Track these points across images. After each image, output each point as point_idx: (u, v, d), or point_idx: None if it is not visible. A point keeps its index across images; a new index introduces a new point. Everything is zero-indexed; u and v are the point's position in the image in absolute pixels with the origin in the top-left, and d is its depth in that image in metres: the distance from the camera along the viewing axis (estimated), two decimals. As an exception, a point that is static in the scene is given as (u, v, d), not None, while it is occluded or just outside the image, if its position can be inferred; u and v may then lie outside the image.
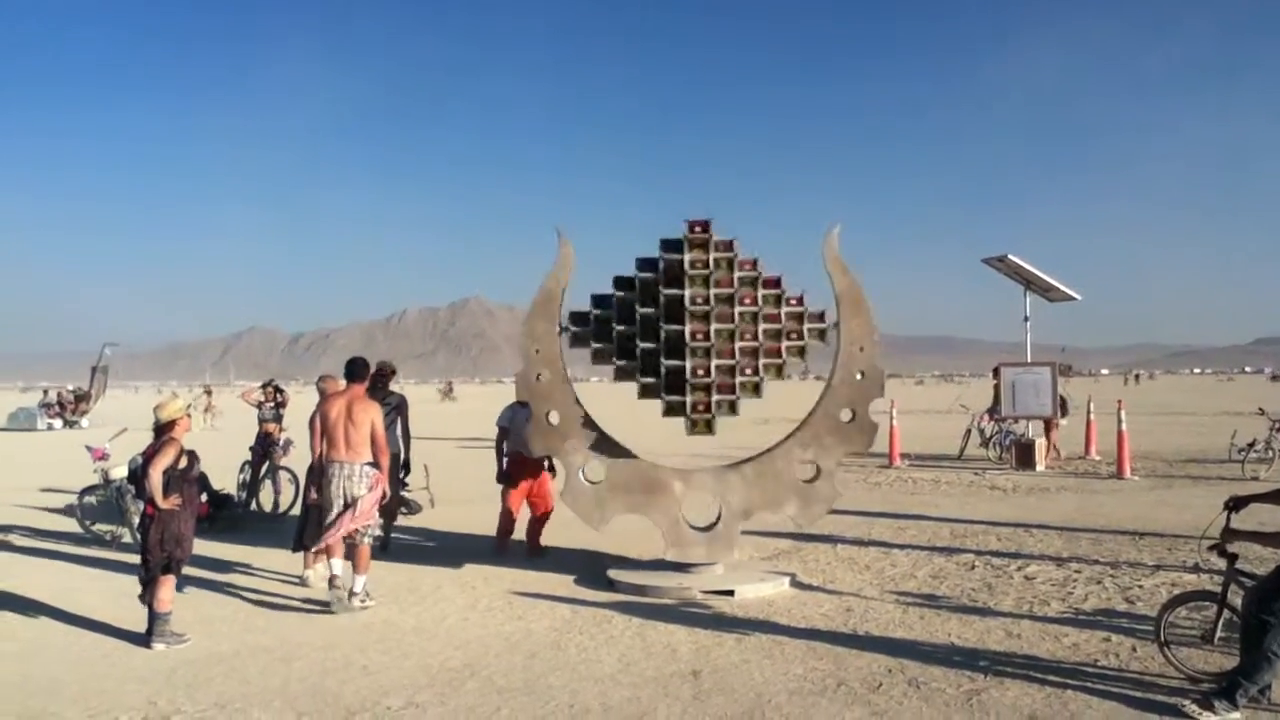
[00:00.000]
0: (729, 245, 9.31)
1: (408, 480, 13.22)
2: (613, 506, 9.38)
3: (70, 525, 12.75)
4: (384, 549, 11.09)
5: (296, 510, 11.76)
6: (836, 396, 9.34)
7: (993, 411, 21.12)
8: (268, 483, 14.31)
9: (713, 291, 9.22)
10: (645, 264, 9.41)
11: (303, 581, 9.60)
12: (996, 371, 20.76)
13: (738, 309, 9.26)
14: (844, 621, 7.95)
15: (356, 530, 8.58)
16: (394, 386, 11.85)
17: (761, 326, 9.29)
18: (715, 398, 9.29)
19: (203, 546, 10.44)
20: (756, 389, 9.37)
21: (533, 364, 9.42)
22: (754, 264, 9.38)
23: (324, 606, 8.56)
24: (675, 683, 6.50)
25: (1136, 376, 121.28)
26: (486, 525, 13.00)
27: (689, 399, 9.30)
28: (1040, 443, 19.37)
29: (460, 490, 16.36)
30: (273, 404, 14.48)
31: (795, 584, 9.25)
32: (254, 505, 14.24)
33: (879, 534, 12.02)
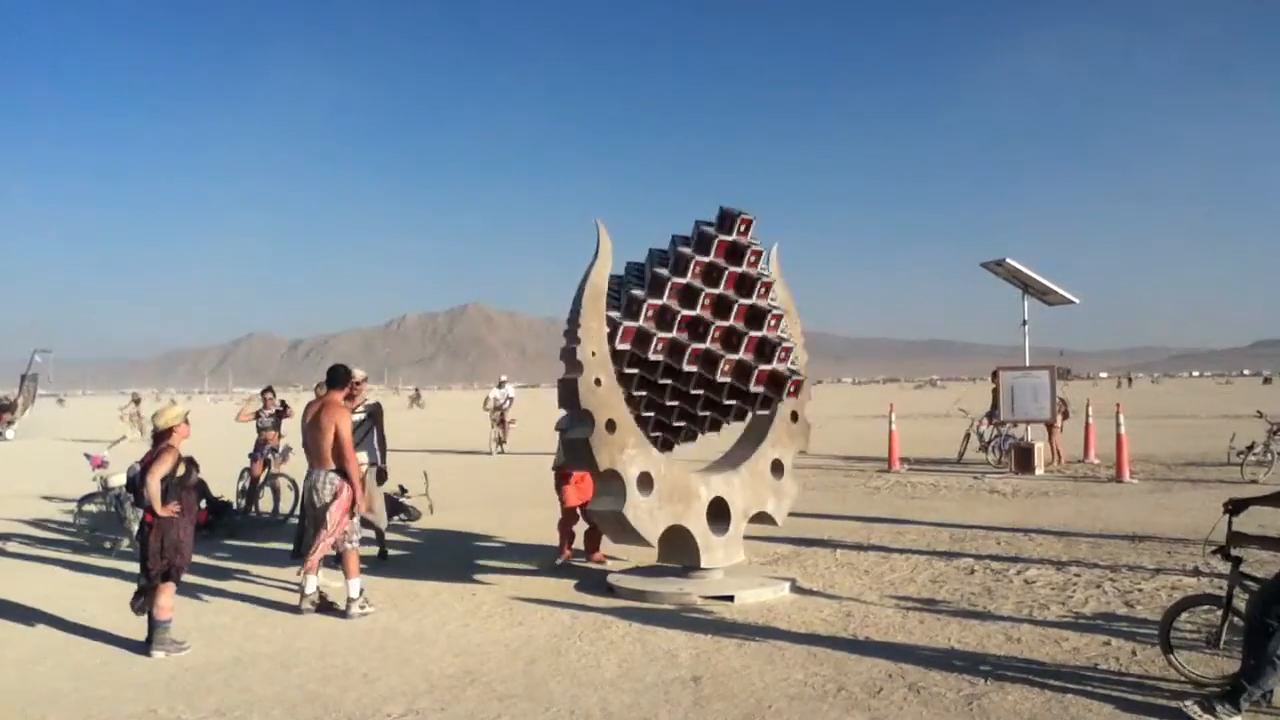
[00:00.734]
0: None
1: (406, 488, 13.23)
2: (662, 518, 8.86)
3: (69, 533, 12.74)
4: (383, 558, 11.08)
5: (295, 517, 11.76)
6: (787, 401, 9.77)
7: (992, 415, 21.13)
8: (267, 490, 14.32)
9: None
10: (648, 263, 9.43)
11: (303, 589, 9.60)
12: (995, 375, 20.77)
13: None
14: (844, 626, 7.95)
15: (335, 542, 8.59)
16: (368, 393, 11.79)
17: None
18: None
19: (202, 554, 10.44)
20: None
21: (590, 368, 8.59)
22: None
23: (325, 612, 8.57)
24: (676, 688, 6.49)
25: (1130, 379, 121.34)
26: (485, 531, 13.02)
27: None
28: (1040, 446, 19.37)
29: (459, 496, 16.35)
30: (272, 411, 14.50)
31: (795, 589, 9.24)
32: (253, 512, 14.25)
33: (878, 538, 12.01)
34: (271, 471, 14.26)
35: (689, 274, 9.02)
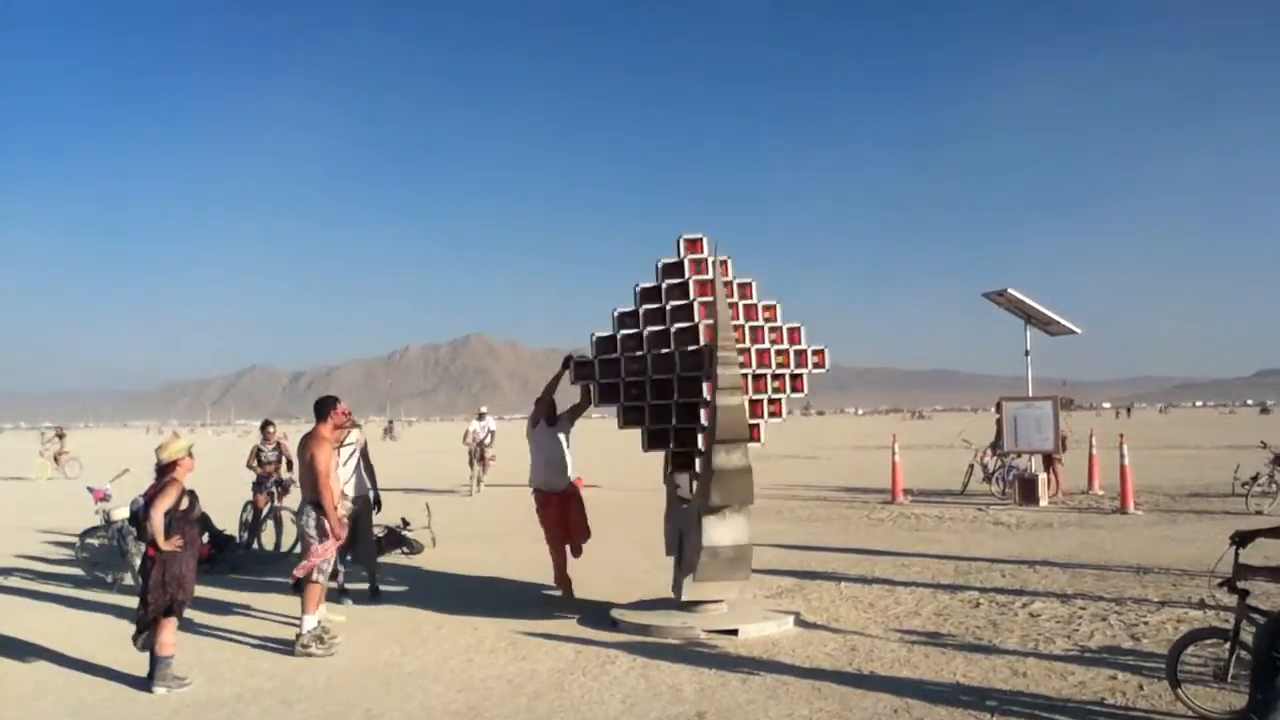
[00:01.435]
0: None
1: (409, 521, 13.20)
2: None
3: (71, 567, 12.71)
4: (374, 594, 11.02)
5: (299, 551, 11.70)
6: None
7: (995, 446, 21.10)
8: (269, 523, 14.30)
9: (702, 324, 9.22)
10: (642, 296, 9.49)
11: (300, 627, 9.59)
12: (1000, 406, 20.74)
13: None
14: (849, 661, 7.90)
15: (310, 570, 8.56)
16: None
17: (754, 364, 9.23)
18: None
19: (204, 588, 10.40)
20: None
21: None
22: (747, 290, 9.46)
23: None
24: (680, 724, 6.45)
25: (1129, 410, 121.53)
26: (488, 565, 12.97)
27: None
28: (1043, 477, 19.32)
29: (462, 529, 16.31)
30: (274, 445, 14.52)
31: (799, 623, 9.20)
32: (255, 546, 14.22)
33: (882, 571, 11.96)
34: (274, 505, 14.25)
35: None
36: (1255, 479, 17.31)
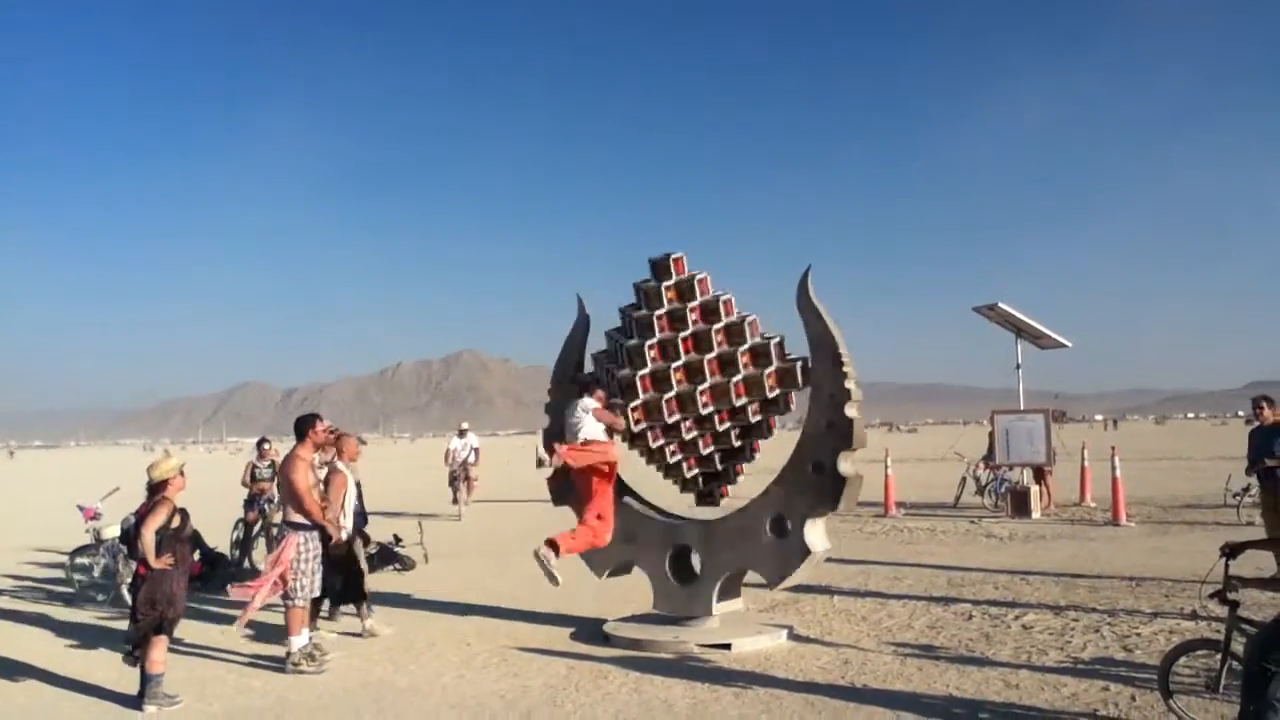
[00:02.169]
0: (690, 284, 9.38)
1: (401, 537, 13.17)
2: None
3: (62, 586, 12.65)
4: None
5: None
6: (803, 449, 8.81)
7: (988, 459, 21.13)
8: (260, 541, 14.25)
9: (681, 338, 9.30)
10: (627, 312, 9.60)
11: (362, 634, 9.76)
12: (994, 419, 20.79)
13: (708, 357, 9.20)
14: (842, 674, 7.90)
15: (286, 592, 8.52)
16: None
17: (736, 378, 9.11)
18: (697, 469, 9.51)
19: (195, 606, 10.36)
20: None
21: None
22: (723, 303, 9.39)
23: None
24: (673, 739, 6.44)
25: (1115, 422, 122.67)
26: (481, 581, 12.94)
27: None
28: (1035, 490, 19.35)
29: (453, 545, 16.28)
30: (269, 462, 14.49)
31: (792, 636, 9.19)
32: (247, 563, 14.16)
33: (875, 584, 11.97)
34: (266, 522, 14.20)
35: (659, 329, 9.40)
36: (1246, 490, 17.32)
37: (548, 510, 11.28)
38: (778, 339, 9.17)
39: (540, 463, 9.36)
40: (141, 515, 7.64)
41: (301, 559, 8.54)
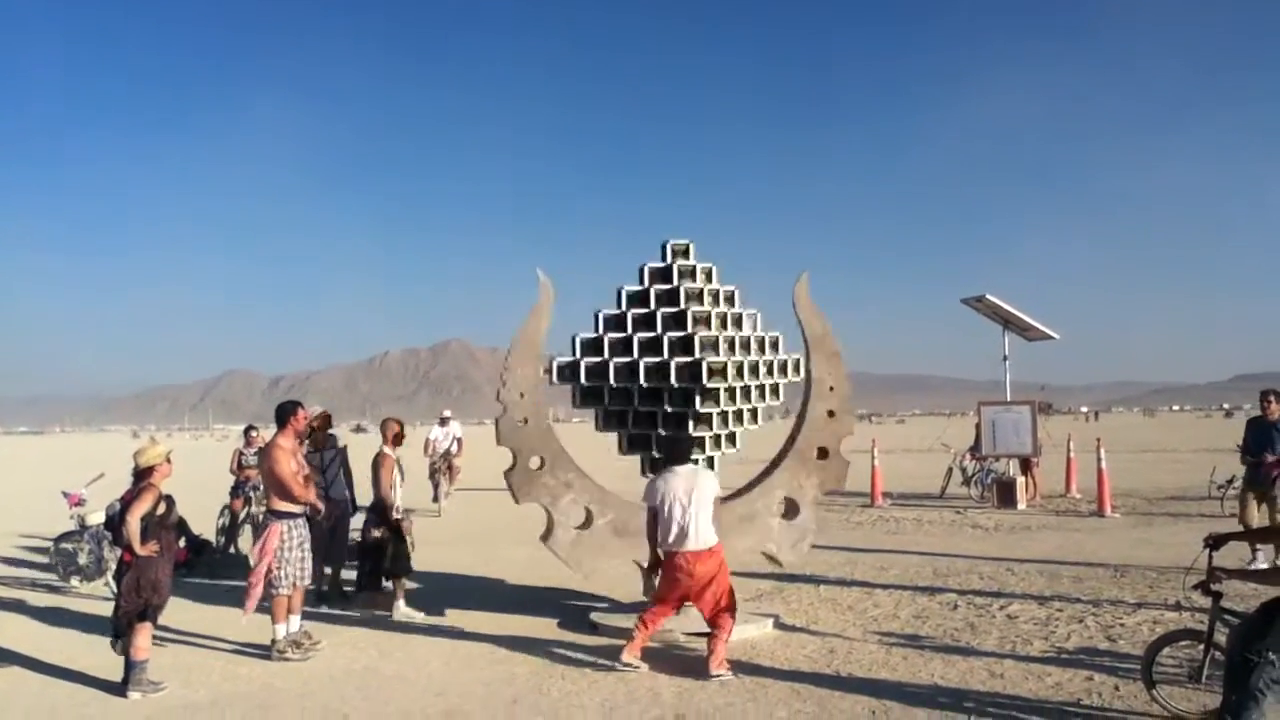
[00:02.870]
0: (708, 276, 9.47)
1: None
2: (592, 551, 9.38)
3: (46, 573, 12.59)
4: (342, 597, 11.01)
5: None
6: (808, 437, 9.57)
7: (974, 450, 21.19)
8: (246, 528, 14.22)
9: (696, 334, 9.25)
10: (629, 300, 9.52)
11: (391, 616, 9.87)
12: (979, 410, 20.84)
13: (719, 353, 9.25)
14: (827, 663, 7.92)
15: (271, 580, 8.50)
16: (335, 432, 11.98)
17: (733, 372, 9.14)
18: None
19: (180, 593, 10.33)
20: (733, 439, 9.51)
21: (516, 409, 9.29)
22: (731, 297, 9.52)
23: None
24: (658, 727, 6.45)
25: (1096, 415, 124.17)
26: (466, 568, 12.93)
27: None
28: (1021, 481, 19.42)
29: (440, 533, 16.27)
30: (255, 450, 14.45)
31: (778, 625, 9.21)
32: (233, 550, 14.14)
33: (862, 574, 12.00)
34: (251, 509, 14.17)
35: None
36: (1230, 482, 17.41)
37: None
38: (776, 335, 9.67)
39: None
40: (127, 502, 7.61)
41: (285, 547, 8.52)
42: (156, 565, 7.53)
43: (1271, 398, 11.85)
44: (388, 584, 10.25)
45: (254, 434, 14.93)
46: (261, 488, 14.09)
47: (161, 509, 7.65)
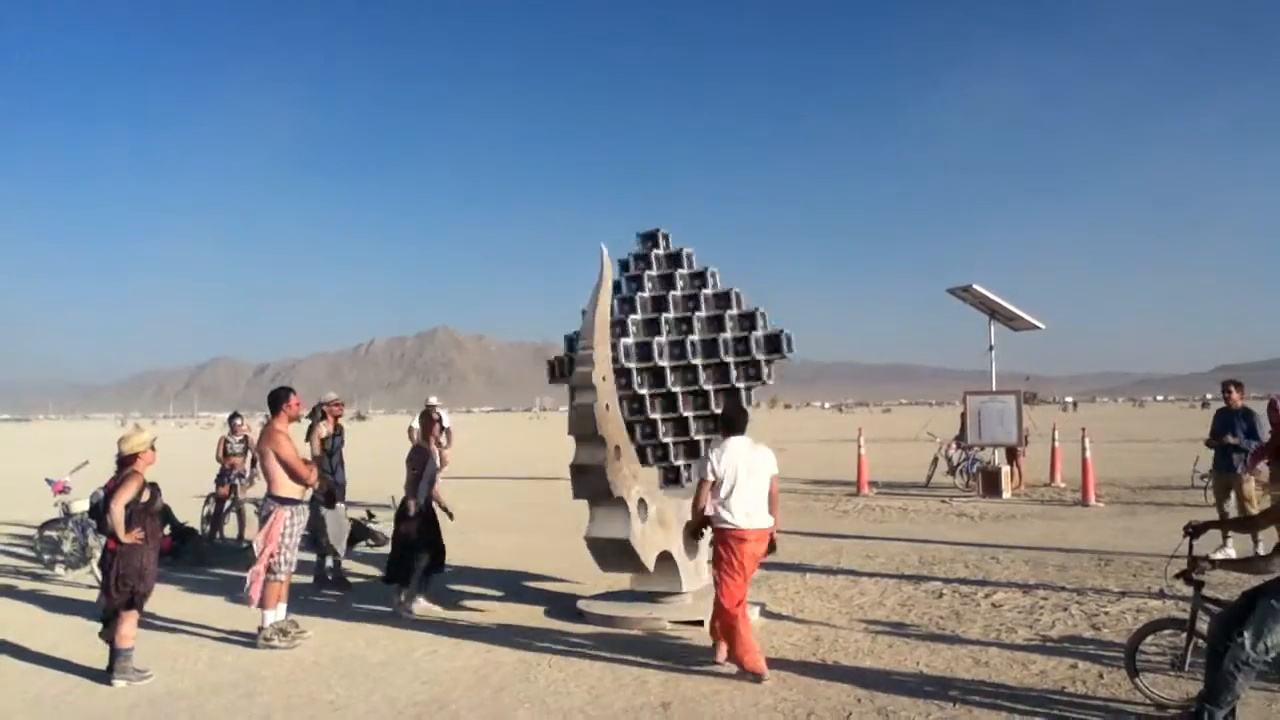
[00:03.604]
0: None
1: (374, 513, 13.14)
2: (656, 543, 8.90)
3: (30, 560, 12.54)
4: (340, 584, 11.03)
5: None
6: None
7: (960, 439, 21.28)
8: (232, 516, 14.18)
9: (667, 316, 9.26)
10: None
11: (408, 613, 9.63)
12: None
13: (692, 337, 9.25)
14: (813, 651, 7.95)
15: (270, 566, 8.47)
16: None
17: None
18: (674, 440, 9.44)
19: (165, 581, 10.30)
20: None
21: (602, 393, 8.38)
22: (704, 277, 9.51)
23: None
24: (645, 715, 6.47)
25: (1075, 405, 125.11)
26: (453, 556, 12.89)
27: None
28: (1006, 470, 19.51)
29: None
30: (241, 437, 14.42)
31: (764, 613, 9.23)
32: (218, 538, 14.10)
33: (847, 562, 12.03)
34: (237, 497, 14.13)
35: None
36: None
37: (520, 487, 11.26)
38: (760, 309, 9.42)
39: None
40: (110, 489, 7.57)
41: (287, 533, 8.51)
42: (141, 553, 7.50)
43: (1232, 388, 12.46)
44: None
45: (239, 422, 14.89)
46: (246, 475, 14.10)
47: (146, 496, 7.61)
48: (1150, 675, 6.56)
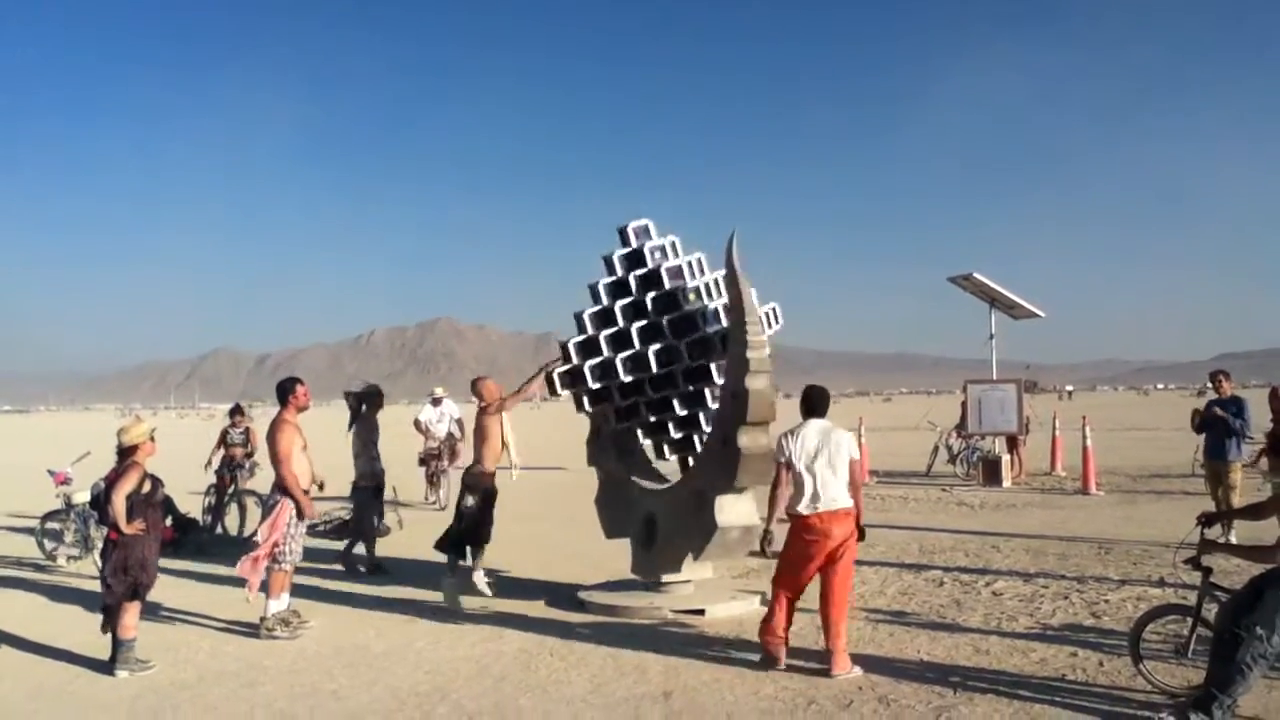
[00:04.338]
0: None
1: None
2: None
3: (31, 551, 12.55)
4: (371, 571, 11.36)
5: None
6: (717, 423, 8.66)
7: (960, 428, 21.29)
8: (233, 506, 14.19)
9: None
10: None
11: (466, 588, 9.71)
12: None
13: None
14: (814, 639, 7.94)
15: (275, 555, 8.47)
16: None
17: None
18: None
19: (167, 571, 10.31)
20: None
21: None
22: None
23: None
24: (646, 704, 6.48)
25: (1070, 393, 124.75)
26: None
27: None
28: (1007, 459, 19.52)
29: (429, 512, 16.26)
30: (242, 429, 14.42)
31: (765, 603, 9.22)
32: (219, 529, 14.11)
33: (848, 551, 12.02)
34: (238, 488, 14.14)
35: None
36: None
37: (520, 477, 11.26)
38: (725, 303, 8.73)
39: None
40: (111, 480, 7.57)
41: (292, 523, 8.50)
42: (143, 544, 7.50)
43: (1220, 377, 12.70)
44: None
45: (239, 416, 14.87)
46: (247, 467, 14.11)
47: (147, 487, 7.61)
48: (1152, 662, 6.56)
